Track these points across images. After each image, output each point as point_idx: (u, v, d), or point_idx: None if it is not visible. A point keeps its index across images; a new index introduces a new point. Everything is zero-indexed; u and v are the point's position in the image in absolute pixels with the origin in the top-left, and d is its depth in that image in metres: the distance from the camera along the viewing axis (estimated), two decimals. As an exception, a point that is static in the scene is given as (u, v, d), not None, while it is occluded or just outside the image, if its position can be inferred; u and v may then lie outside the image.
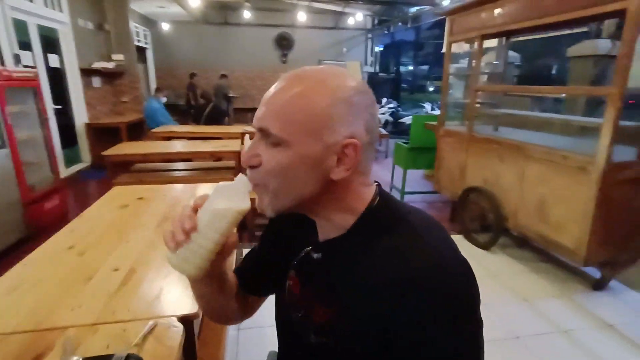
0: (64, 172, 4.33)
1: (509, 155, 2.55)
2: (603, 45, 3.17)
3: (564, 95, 3.83)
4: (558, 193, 2.20)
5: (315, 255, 0.60)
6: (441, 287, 0.46)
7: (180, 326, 0.83)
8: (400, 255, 0.49)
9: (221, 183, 0.54)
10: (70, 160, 4.75)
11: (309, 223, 0.61)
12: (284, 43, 8.87)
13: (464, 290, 0.48)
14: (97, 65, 5.16)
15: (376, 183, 0.59)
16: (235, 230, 0.56)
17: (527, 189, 2.42)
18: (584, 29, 4.11)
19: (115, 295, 0.94)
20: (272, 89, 0.52)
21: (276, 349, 0.92)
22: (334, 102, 0.49)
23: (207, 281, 0.63)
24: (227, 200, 0.52)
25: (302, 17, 8.05)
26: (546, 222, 2.29)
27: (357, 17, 8.50)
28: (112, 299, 0.93)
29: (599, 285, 2.23)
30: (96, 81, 5.35)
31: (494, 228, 2.63)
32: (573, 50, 3.39)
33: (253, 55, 8.74)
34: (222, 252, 0.55)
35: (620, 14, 1.86)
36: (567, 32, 4.80)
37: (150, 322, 0.83)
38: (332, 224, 0.57)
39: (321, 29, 8.83)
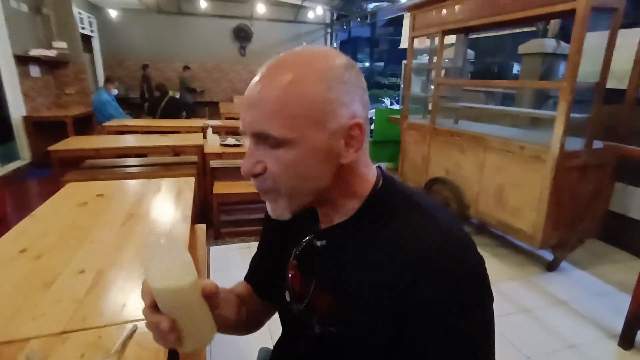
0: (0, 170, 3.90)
1: (469, 146, 2.67)
2: (549, 44, 3.41)
3: (515, 90, 4.09)
4: (515, 181, 2.35)
5: (319, 243, 0.58)
6: (458, 264, 0.46)
7: (164, 328, 0.76)
8: (412, 236, 0.48)
9: (146, 256, 0.44)
10: (5, 158, 4.28)
11: (308, 212, 0.58)
12: (242, 35, 8.62)
13: (478, 267, 0.47)
14: (35, 52, 4.67)
15: (377, 165, 0.58)
16: (203, 278, 0.49)
17: (486, 178, 2.56)
18: (532, 29, 4.41)
19: (84, 300, 0.85)
20: (256, 86, 0.47)
21: (266, 344, 0.89)
22: (329, 85, 0.46)
23: None
24: (171, 277, 0.44)
25: (261, 8, 7.86)
26: (505, 209, 2.43)
27: (317, 10, 8.47)
28: (80, 304, 0.84)
29: (551, 267, 2.42)
30: (35, 70, 4.85)
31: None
32: (523, 48, 3.62)
33: (210, 47, 8.40)
34: (210, 300, 0.49)
35: (570, 14, 2.00)
36: (517, 31, 5.12)
37: (129, 326, 0.76)
38: (338, 210, 0.55)
39: (280, 21, 8.69)
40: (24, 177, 4.19)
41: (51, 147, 2.76)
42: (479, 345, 0.47)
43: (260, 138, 0.47)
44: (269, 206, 0.53)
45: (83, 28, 6.37)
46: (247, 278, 0.75)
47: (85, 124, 5.09)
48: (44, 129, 4.55)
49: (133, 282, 0.93)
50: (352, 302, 0.51)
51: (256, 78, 0.48)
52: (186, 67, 7.55)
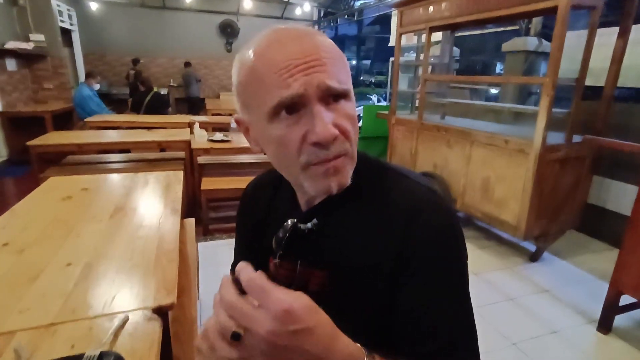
0: (-25, 167, 3.76)
1: (456, 141, 2.72)
2: (531, 42, 3.49)
3: (499, 88, 4.18)
4: (500, 174, 2.40)
5: (309, 224, 0.56)
6: (442, 212, 0.49)
7: (157, 318, 0.76)
8: (398, 194, 0.51)
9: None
10: (-19, 154, 4.13)
11: (281, 201, 0.61)
12: (228, 31, 8.50)
13: (456, 215, 0.52)
14: (11, 45, 4.51)
15: None
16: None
17: (472, 171, 2.61)
18: (515, 27, 4.51)
19: (72, 293, 0.83)
20: (305, 40, 0.45)
21: None
22: None
23: None
24: None
25: (247, 4, 7.78)
26: (490, 202, 2.49)
27: (305, 7, 8.43)
28: (69, 296, 0.82)
29: (534, 257, 2.49)
30: (10, 64, 4.68)
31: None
32: (507, 46, 3.69)
33: (195, 43, 8.25)
34: None
35: (552, 11, 2.06)
36: (501, 29, 5.22)
37: (121, 316, 0.75)
38: None
39: (267, 17, 8.61)
40: (0, 175, 4.05)
41: (30, 142, 2.67)
42: (466, 294, 0.50)
43: (329, 93, 0.45)
44: (333, 178, 0.48)
45: (62, 21, 6.16)
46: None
47: (65, 120, 4.94)
48: (21, 125, 4.40)
49: (124, 274, 0.92)
50: (346, 274, 0.52)
51: (290, 38, 0.46)
52: (187, 63, 7.66)
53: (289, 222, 0.58)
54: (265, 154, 0.55)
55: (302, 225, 0.57)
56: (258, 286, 0.38)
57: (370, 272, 0.50)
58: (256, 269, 0.67)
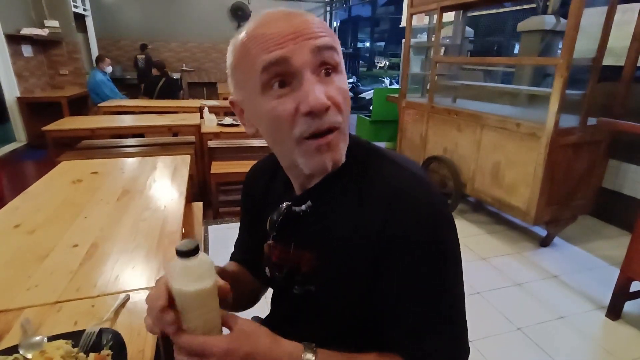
0: (-4, 152, 3.90)
1: (466, 124, 2.66)
2: (549, 20, 3.34)
3: (513, 69, 4.03)
4: (511, 158, 2.35)
5: (303, 206, 0.57)
6: (425, 201, 0.49)
7: (155, 297, 0.78)
8: (382, 181, 0.51)
9: (171, 264, 0.44)
10: (1, 140, 4.27)
11: (278, 185, 0.62)
12: (239, 14, 8.40)
13: (442, 205, 0.50)
14: (27, 31, 4.58)
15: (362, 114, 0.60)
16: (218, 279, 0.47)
17: (483, 156, 2.56)
18: (532, 5, 4.31)
19: (78, 272, 0.87)
20: (297, 17, 0.47)
21: (258, 314, 0.91)
22: None
23: None
24: (197, 280, 0.43)
25: (257, -15, 7.65)
26: (500, 186, 2.44)
27: (315, -13, 8.24)
28: (74, 275, 0.86)
29: (545, 242, 2.45)
30: (27, 50, 4.78)
31: (453, 194, 2.76)
32: (522, 25, 3.54)
33: (207, 27, 8.20)
34: (223, 300, 0.47)
35: (570, -14, 1.95)
36: (517, 8, 5.00)
37: (122, 295, 0.78)
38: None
39: (278, 0, 8.47)
40: (20, 159, 4.19)
41: (45, 128, 2.75)
42: (449, 280, 0.50)
43: (323, 64, 0.46)
44: (327, 155, 0.49)
45: (76, 7, 6.20)
46: (240, 260, 0.75)
47: (81, 105, 5.04)
48: (39, 110, 4.52)
49: (127, 255, 0.95)
50: (334, 255, 0.53)
51: (280, 15, 0.47)
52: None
53: (284, 205, 0.59)
54: (260, 136, 0.55)
55: (296, 208, 0.58)
56: (197, 346, 0.42)
57: (354, 255, 0.51)
58: (254, 249, 0.69)
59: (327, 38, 0.47)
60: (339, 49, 0.49)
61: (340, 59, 0.49)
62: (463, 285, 0.52)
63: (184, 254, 0.42)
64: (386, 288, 0.50)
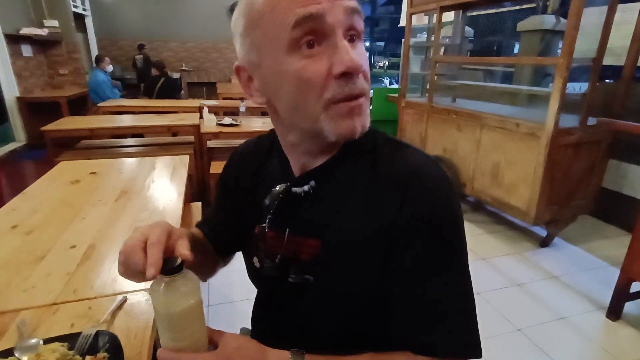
0: (-5, 152, 3.89)
1: (466, 124, 2.65)
2: (548, 20, 3.33)
3: (513, 69, 4.03)
4: (511, 158, 2.34)
5: (306, 187, 0.54)
6: (441, 180, 0.48)
7: (153, 299, 0.78)
8: (399, 163, 0.49)
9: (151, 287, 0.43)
10: (0, 140, 4.26)
11: (271, 168, 0.59)
12: (238, 13, 8.41)
13: (452, 184, 0.50)
14: (27, 31, 4.58)
15: None
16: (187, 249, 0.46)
17: (482, 156, 2.55)
18: (532, 5, 4.30)
19: (75, 274, 0.86)
20: None
21: (248, 325, 0.87)
22: None
23: None
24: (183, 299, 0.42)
25: (257, -15, 7.62)
26: (500, 186, 2.44)
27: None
28: (71, 277, 0.85)
29: (545, 242, 2.44)
30: (26, 50, 4.77)
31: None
32: (522, 25, 3.54)
33: (206, 26, 8.20)
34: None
35: (570, -15, 1.95)
36: (516, 8, 5.00)
37: (119, 297, 0.77)
38: (320, 150, 0.52)
39: (277, -1, 8.45)
40: (19, 159, 4.19)
41: (44, 128, 2.74)
42: (463, 263, 0.49)
43: (351, 28, 0.45)
44: (358, 119, 0.46)
45: (75, 6, 6.19)
46: (206, 234, 0.72)
47: (80, 105, 5.03)
48: (38, 110, 4.51)
49: (124, 256, 0.94)
50: (341, 243, 0.50)
51: None
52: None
53: (278, 187, 0.55)
54: (268, 106, 0.51)
55: (296, 189, 0.54)
56: None
57: (365, 241, 0.48)
58: (222, 232, 0.68)
59: (356, 2, 0.45)
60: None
61: (363, 26, 0.47)
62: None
63: (168, 271, 0.41)
64: (399, 272, 0.47)
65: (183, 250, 0.45)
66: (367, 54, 0.49)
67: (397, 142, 0.53)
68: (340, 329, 0.53)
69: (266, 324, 0.68)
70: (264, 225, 0.59)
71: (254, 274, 0.64)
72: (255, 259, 0.61)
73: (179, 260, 0.42)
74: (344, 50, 0.42)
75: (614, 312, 1.77)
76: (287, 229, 0.55)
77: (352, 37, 0.45)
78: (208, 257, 0.70)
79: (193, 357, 0.42)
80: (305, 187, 0.53)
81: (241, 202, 0.64)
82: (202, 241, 0.70)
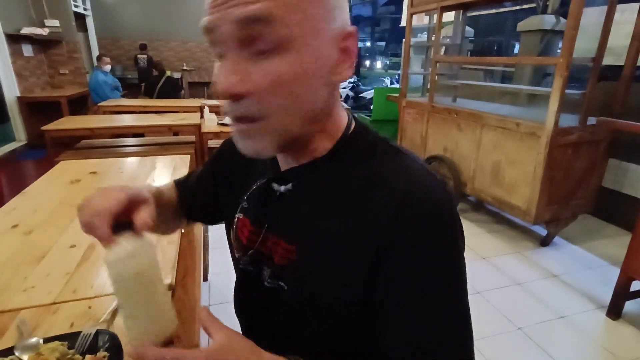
0: (-5, 152, 3.90)
1: (467, 124, 2.65)
2: (548, 20, 3.33)
3: (513, 69, 4.03)
4: (511, 158, 2.34)
5: (282, 188, 0.50)
6: (441, 197, 0.42)
7: (152, 298, 0.78)
8: (394, 173, 0.43)
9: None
10: (1, 139, 4.26)
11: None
12: (238, 13, 8.40)
13: (455, 207, 0.43)
14: (27, 30, 4.58)
15: (346, 107, 0.53)
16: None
17: (483, 155, 2.55)
18: (532, 5, 4.30)
19: (75, 273, 0.86)
20: None
21: None
22: None
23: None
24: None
25: (257, -16, 7.61)
26: (501, 186, 2.44)
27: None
28: (71, 277, 0.85)
29: (545, 242, 2.44)
30: (27, 49, 4.77)
31: (454, 194, 2.76)
32: (522, 25, 3.53)
33: (206, 26, 8.20)
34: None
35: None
36: (516, 8, 5.00)
37: (119, 297, 0.77)
38: (308, 152, 0.47)
39: (278, -2, 8.45)
40: (20, 158, 4.19)
41: (44, 127, 2.75)
42: (461, 283, 0.43)
43: (248, 37, 0.36)
44: (243, 142, 0.42)
45: (76, 6, 6.20)
46: (180, 197, 0.71)
47: (81, 105, 5.04)
48: (38, 110, 4.52)
49: (124, 255, 0.95)
50: (318, 252, 0.45)
51: None
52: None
53: (261, 180, 0.53)
54: None
55: (275, 185, 0.51)
56: (172, 358, 0.37)
57: (346, 258, 0.43)
58: (196, 199, 0.69)
59: (259, 5, 0.34)
60: (293, 18, 0.36)
61: (289, 32, 0.36)
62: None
63: (118, 227, 0.42)
64: (387, 296, 0.41)
65: (143, 218, 0.45)
66: (294, 65, 0.37)
67: (397, 150, 0.47)
68: (316, 341, 0.49)
69: (245, 321, 0.65)
70: (238, 215, 0.56)
71: (235, 265, 0.61)
72: (235, 248, 0.59)
73: (128, 221, 0.43)
74: (218, 72, 0.38)
75: (614, 311, 1.77)
76: (266, 225, 0.51)
77: (262, 51, 0.36)
78: (172, 215, 0.70)
79: (178, 352, 0.37)
80: (282, 188, 0.50)
81: (228, 186, 0.62)
82: (169, 199, 0.69)
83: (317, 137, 0.46)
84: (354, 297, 0.43)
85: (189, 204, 0.72)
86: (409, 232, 0.40)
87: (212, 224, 0.75)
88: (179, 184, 0.74)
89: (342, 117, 0.48)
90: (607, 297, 1.81)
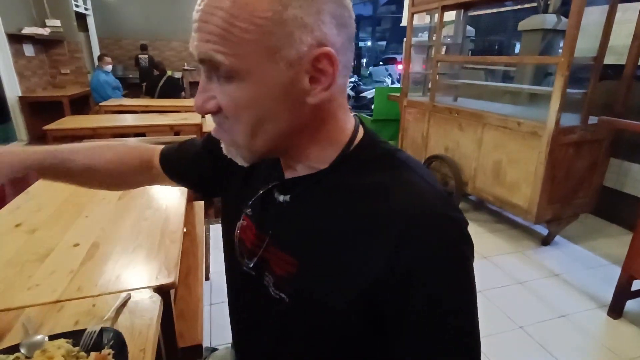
0: (-2, 152, 3.89)
1: (468, 123, 2.65)
2: (550, 19, 3.33)
3: (514, 68, 4.02)
4: (512, 157, 2.34)
5: (281, 198, 0.50)
6: (453, 222, 0.40)
7: (157, 297, 0.79)
8: (402, 190, 0.41)
9: None
10: (2, 139, 4.27)
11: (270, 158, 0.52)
12: (239, 12, 8.40)
13: (466, 226, 0.42)
14: (29, 30, 4.59)
15: (354, 114, 0.50)
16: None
17: (484, 154, 2.55)
18: (533, 4, 4.30)
19: (79, 272, 0.87)
20: (200, 3, 0.38)
21: None
22: (283, 1, 0.36)
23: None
24: None
25: (258, -16, 7.61)
26: (502, 185, 2.44)
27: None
28: (75, 275, 0.86)
29: (546, 241, 2.45)
30: (28, 49, 4.78)
31: (455, 193, 2.76)
32: (523, 24, 3.53)
33: (207, 25, 8.20)
34: None
35: (571, -17, 1.94)
36: (517, 7, 4.99)
37: (123, 295, 0.78)
38: (306, 159, 0.47)
39: (278, -2, 8.44)
40: (23, 159, 4.19)
41: (46, 127, 2.76)
42: (472, 308, 0.41)
43: (210, 66, 0.40)
44: (224, 148, 0.47)
45: (77, 6, 6.21)
46: (163, 157, 0.71)
47: (82, 104, 5.05)
48: (40, 110, 4.52)
49: (128, 254, 0.95)
50: (320, 269, 0.44)
51: None
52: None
53: (265, 186, 0.52)
54: None
55: (276, 194, 0.50)
56: None
57: (346, 276, 0.41)
58: (199, 177, 0.67)
59: (206, 49, 0.38)
60: (240, 52, 0.37)
61: (238, 66, 0.38)
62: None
63: None
64: (396, 325, 0.40)
65: None
66: (245, 92, 0.40)
67: (406, 164, 0.45)
68: (310, 354, 0.48)
69: (246, 328, 0.62)
70: (242, 222, 0.56)
71: (234, 265, 0.58)
72: (239, 251, 0.57)
73: None
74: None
75: (616, 310, 1.77)
76: (270, 232, 0.50)
77: (224, 76, 0.39)
78: (112, 171, 0.69)
79: None
80: (281, 198, 0.49)
81: (229, 182, 0.62)
82: (100, 157, 0.69)
83: (316, 148, 0.46)
84: (353, 315, 0.42)
85: (177, 170, 0.71)
86: (415, 258, 0.38)
87: (205, 194, 0.74)
88: (164, 155, 0.72)
89: (347, 125, 0.47)
90: (608, 296, 1.81)
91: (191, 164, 0.68)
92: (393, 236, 0.39)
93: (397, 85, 8.16)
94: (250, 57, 0.38)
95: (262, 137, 0.42)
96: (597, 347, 1.63)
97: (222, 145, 0.47)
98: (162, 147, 0.73)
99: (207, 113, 0.43)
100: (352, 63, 0.45)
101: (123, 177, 0.72)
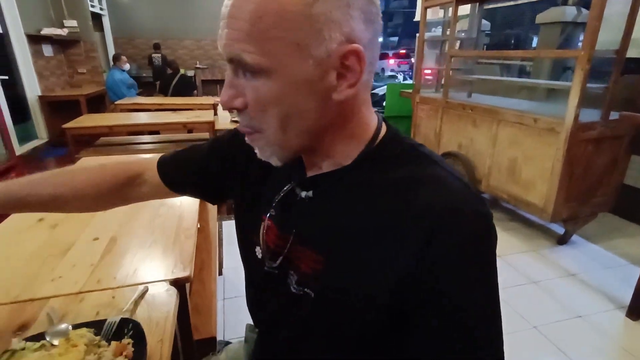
0: (18, 149, 4.00)
1: (482, 120, 2.61)
2: (569, 12, 3.24)
3: (531, 63, 3.94)
4: (528, 154, 2.30)
5: (303, 194, 0.50)
6: (481, 216, 0.40)
7: (173, 290, 0.80)
8: (429, 185, 0.41)
9: None
10: (24, 137, 4.39)
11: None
12: (251, 10, 8.44)
13: (492, 223, 0.41)
14: (47, 31, 4.70)
15: (376, 110, 0.50)
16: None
17: (499, 151, 2.51)
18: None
19: (98, 265, 0.90)
20: (230, 1, 0.39)
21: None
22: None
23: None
24: None
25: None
26: (517, 183, 2.40)
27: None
28: (95, 268, 0.88)
29: (562, 240, 2.40)
30: (47, 50, 4.90)
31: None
32: (541, 17, 3.45)
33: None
34: None
35: (592, -24, 1.89)
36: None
37: (141, 287, 0.80)
38: (330, 156, 0.47)
39: (290, -5, 8.44)
40: (42, 156, 4.32)
41: (65, 125, 2.83)
42: (498, 302, 0.42)
43: (237, 64, 0.40)
44: (255, 149, 0.47)
45: (93, 6, 6.34)
46: (161, 166, 0.68)
47: (98, 103, 5.16)
48: (59, 108, 4.64)
49: (144, 249, 0.97)
50: (346, 265, 0.44)
51: None
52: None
53: (288, 185, 0.52)
54: None
55: (298, 191, 0.50)
56: None
57: (373, 271, 0.41)
58: (201, 185, 0.66)
59: (233, 48, 0.39)
60: (266, 50, 0.38)
61: (264, 63, 0.38)
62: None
63: None
64: (425, 315, 0.40)
65: None
66: (269, 88, 0.40)
67: (431, 159, 0.45)
68: (335, 347, 0.48)
69: (260, 320, 0.63)
70: (266, 222, 0.55)
71: (254, 264, 0.57)
72: (258, 249, 0.57)
73: None
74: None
75: (635, 311, 1.72)
76: (294, 230, 0.50)
77: (251, 72, 0.40)
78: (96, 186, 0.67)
79: None
80: (303, 194, 0.49)
81: (240, 185, 0.61)
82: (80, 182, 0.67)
83: (340, 144, 0.46)
84: (378, 310, 0.42)
85: (178, 178, 0.69)
86: (444, 253, 0.38)
87: (210, 199, 0.73)
88: (164, 160, 0.70)
89: (371, 121, 0.47)
90: (627, 297, 1.77)
91: (196, 169, 0.67)
92: (423, 231, 0.38)
93: (409, 81, 8.07)
94: (278, 53, 0.38)
95: (292, 132, 0.43)
96: (614, 348, 1.59)
97: (256, 148, 0.47)
98: (157, 158, 0.70)
99: (232, 109, 0.43)
100: (377, 59, 0.45)
101: (104, 198, 0.69)
